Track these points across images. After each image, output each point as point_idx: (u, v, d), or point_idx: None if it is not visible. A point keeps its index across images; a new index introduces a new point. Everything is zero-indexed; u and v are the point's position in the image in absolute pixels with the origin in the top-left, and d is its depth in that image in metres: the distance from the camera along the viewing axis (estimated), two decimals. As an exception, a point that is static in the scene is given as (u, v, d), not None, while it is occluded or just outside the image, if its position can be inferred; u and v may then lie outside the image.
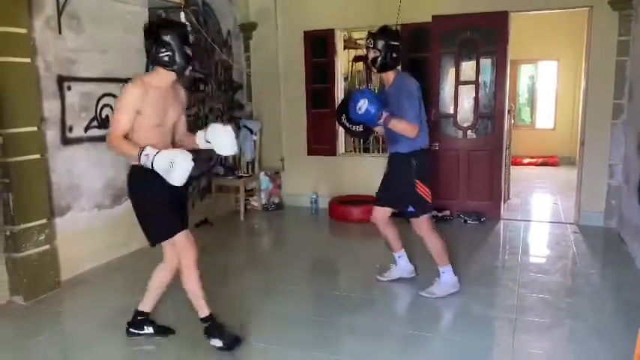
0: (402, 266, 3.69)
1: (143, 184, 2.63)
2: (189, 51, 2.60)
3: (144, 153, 2.46)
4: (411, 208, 3.39)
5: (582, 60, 5.73)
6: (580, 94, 5.81)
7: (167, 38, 2.53)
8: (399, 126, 3.17)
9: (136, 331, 2.95)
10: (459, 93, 5.53)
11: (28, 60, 3.41)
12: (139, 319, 2.96)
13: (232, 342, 2.78)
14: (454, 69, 5.51)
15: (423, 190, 3.31)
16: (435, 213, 5.61)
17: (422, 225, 3.39)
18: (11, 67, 3.28)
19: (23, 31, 3.35)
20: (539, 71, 10.03)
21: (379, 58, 3.22)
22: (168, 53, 2.54)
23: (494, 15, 5.20)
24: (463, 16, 5.28)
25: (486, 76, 5.47)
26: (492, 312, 3.31)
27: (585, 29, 5.24)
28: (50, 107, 3.69)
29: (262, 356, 2.79)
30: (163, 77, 2.62)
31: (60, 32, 3.70)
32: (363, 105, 3.08)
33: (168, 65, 2.56)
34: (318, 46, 5.95)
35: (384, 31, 3.28)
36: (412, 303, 3.48)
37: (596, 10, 4.94)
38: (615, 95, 4.93)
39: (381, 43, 3.21)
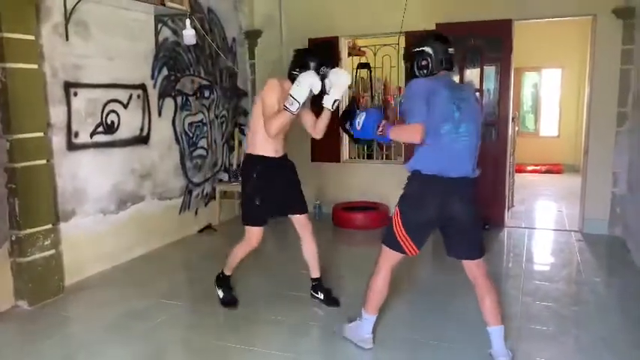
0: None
1: (246, 172, 3.29)
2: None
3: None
4: None
5: (586, 68, 5.73)
6: (584, 102, 5.81)
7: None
8: (399, 132, 2.65)
9: (314, 293, 3.54)
10: (463, 100, 5.53)
11: (35, 66, 3.43)
12: (313, 284, 3.55)
13: (228, 301, 3.43)
14: (458, 76, 5.51)
15: (395, 221, 2.71)
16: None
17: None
18: (18, 72, 3.30)
19: (31, 37, 3.38)
20: (543, 79, 10.05)
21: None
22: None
23: (498, 23, 5.23)
24: (467, 24, 5.30)
25: (490, 84, 5.49)
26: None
27: (589, 37, 5.26)
28: (56, 113, 3.71)
29: (265, 362, 2.80)
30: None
31: (67, 39, 3.74)
32: (360, 119, 2.78)
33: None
34: (323, 54, 5.97)
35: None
36: (414, 311, 3.47)
37: (600, 18, 4.96)
38: (619, 103, 4.94)
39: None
